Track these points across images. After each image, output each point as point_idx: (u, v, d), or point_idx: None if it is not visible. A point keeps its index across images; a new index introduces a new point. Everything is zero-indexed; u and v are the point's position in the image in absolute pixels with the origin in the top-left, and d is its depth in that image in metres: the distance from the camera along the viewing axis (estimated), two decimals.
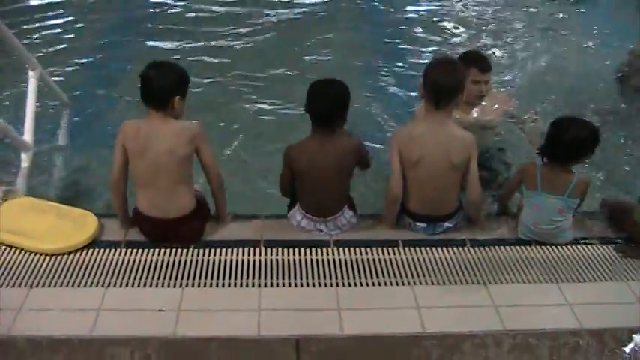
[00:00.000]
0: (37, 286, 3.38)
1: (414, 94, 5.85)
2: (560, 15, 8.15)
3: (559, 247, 3.78)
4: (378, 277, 3.50)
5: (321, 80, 3.66)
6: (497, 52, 7.06)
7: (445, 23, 7.91)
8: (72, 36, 7.30)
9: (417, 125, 3.77)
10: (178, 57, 6.44)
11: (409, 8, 8.25)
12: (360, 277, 3.49)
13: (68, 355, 2.96)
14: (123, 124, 3.63)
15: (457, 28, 7.73)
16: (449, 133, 3.68)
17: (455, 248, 3.74)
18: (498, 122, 4.57)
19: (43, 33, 7.29)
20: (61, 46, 7.02)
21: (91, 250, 3.64)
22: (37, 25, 7.45)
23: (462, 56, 4.21)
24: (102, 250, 3.65)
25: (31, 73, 4.69)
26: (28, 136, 4.50)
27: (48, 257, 3.57)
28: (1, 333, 3.07)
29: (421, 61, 6.64)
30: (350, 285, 3.44)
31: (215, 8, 8.04)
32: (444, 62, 3.78)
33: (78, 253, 3.62)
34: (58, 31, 7.41)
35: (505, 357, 3.01)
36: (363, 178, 4.36)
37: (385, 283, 3.46)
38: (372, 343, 3.08)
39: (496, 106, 4.49)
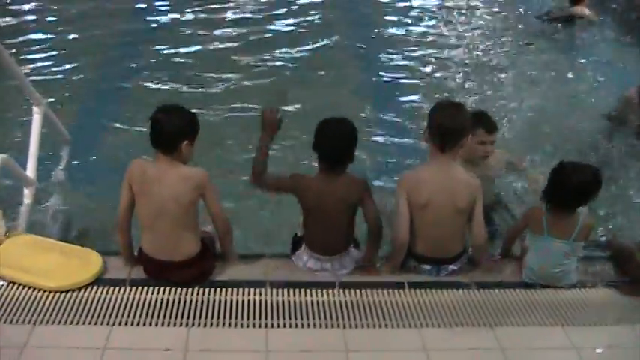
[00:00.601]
0: (40, 323, 3.34)
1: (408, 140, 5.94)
2: (551, 57, 8.23)
3: (564, 290, 3.79)
4: (384, 319, 3.49)
5: (331, 119, 3.68)
6: (488, 99, 7.08)
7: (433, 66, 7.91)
8: (70, 67, 7.34)
9: (424, 169, 3.80)
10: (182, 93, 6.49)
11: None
12: (366, 319, 3.48)
13: None
14: (131, 163, 3.64)
15: (448, 72, 7.75)
16: (455, 176, 3.71)
17: (460, 290, 3.75)
18: (497, 175, 4.62)
19: (39, 65, 7.32)
20: (58, 77, 7.07)
21: (95, 288, 3.62)
22: (32, 56, 7.49)
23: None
24: (106, 288, 3.62)
25: (35, 109, 4.69)
26: (30, 171, 4.49)
27: (52, 294, 3.54)
28: None
29: (407, 105, 6.78)
30: (357, 327, 3.43)
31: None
32: (448, 106, 3.82)
33: (82, 291, 3.58)
34: (54, 63, 7.45)
35: None
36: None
37: (392, 326, 3.45)
38: None
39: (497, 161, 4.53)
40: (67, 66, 7.34)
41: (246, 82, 7.11)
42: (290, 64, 7.65)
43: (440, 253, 3.83)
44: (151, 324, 3.39)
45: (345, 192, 3.65)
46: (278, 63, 7.68)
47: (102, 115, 6.27)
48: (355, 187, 3.68)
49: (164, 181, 3.51)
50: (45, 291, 3.55)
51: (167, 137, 3.50)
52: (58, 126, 5.12)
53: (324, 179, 3.67)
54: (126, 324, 3.37)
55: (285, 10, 9.13)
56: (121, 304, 3.51)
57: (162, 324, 3.39)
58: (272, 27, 8.68)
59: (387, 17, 9.17)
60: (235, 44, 8.14)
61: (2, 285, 3.59)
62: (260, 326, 3.40)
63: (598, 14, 8.94)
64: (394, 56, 8.00)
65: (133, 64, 7.42)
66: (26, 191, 4.42)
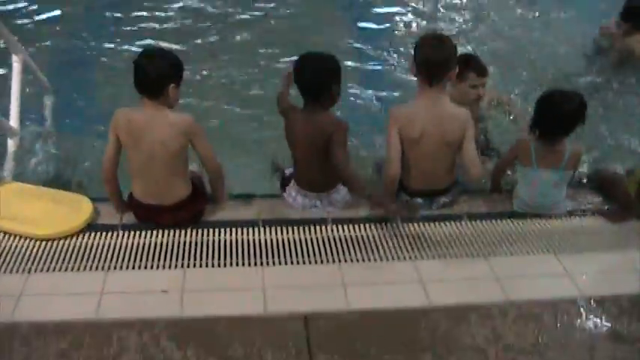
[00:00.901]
0: (35, 272, 3.32)
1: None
2: None
3: (554, 219, 3.83)
4: (379, 252, 3.52)
5: (310, 53, 3.65)
6: (470, 33, 7.02)
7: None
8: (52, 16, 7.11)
9: (415, 103, 3.77)
10: (169, 40, 6.33)
11: None
12: (361, 254, 3.50)
13: (74, 340, 2.90)
14: (115, 113, 3.57)
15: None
16: (444, 109, 3.69)
17: (453, 223, 3.78)
18: (488, 115, 4.62)
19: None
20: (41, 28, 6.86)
21: (87, 235, 3.59)
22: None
23: (459, 60, 4.19)
24: (98, 234, 3.60)
25: (14, 57, 4.59)
26: (14, 121, 4.41)
27: (44, 243, 3.51)
28: (3, 320, 3.02)
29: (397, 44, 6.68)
30: (352, 261, 3.45)
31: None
32: (433, 38, 3.76)
33: (74, 238, 3.56)
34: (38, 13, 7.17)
35: (511, 327, 3.05)
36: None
37: (387, 259, 3.48)
38: (380, 318, 3.09)
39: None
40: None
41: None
42: None
43: (432, 186, 3.85)
44: (146, 267, 3.38)
45: (318, 130, 3.59)
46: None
47: (82, 61, 6.12)
48: (329, 127, 3.59)
49: (151, 127, 3.45)
50: (36, 239, 3.52)
51: (152, 81, 3.42)
52: (38, 75, 5.01)
53: (304, 113, 3.66)
54: (121, 268, 3.36)
55: None
56: (114, 249, 3.49)
57: (158, 267, 3.38)
58: None
59: None
60: None
61: None
62: (256, 264, 3.41)
63: None
64: None
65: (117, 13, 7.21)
66: (10, 141, 4.35)
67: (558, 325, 3.08)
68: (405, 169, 3.78)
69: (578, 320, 3.11)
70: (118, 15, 7.12)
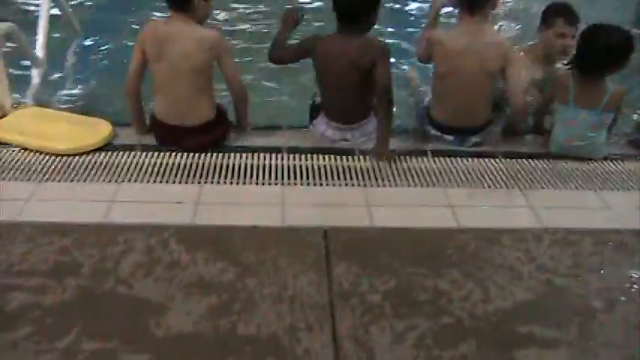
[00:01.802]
0: (46, 181, 3.19)
1: None
2: None
3: (593, 162, 3.59)
4: (408, 180, 3.32)
5: None
6: None
7: None
8: None
9: (452, 30, 3.60)
10: None
11: None
12: (389, 181, 3.31)
13: (78, 239, 2.75)
14: (145, 25, 3.48)
15: None
16: (483, 38, 3.50)
17: (486, 160, 3.56)
18: None
19: None
20: None
21: (104, 153, 3.46)
22: None
23: (546, 7, 3.93)
24: (115, 153, 3.46)
25: None
26: (40, 52, 4.32)
27: (59, 157, 3.38)
28: (7, 219, 2.88)
29: None
30: (379, 186, 3.26)
31: None
32: None
33: (90, 155, 3.43)
34: None
35: (546, 251, 2.82)
36: None
37: (416, 185, 3.28)
38: (405, 235, 2.88)
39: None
40: None
41: None
42: None
43: (464, 122, 3.63)
44: (161, 182, 3.24)
45: (360, 53, 3.40)
46: None
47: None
48: (371, 48, 3.42)
49: (177, 39, 3.33)
50: (52, 154, 3.40)
51: None
52: (69, 16, 4.94)
53: (340, 39, 3.47)
54: (135, 181, 3.23)
55: None
56: (130, 166, 3.36)
57: (174, 182, 3.24)
58: None
59: None
60: None
61: (8, 150, 3.44)
62: (277, 184, 3.24)
63: None
64: None
65: None
66: (34, 71, 4.26)
67: (596, 252, 2.84)
68: (436, 100, 3.60)
69: (617, 250, 2.87)
70: None
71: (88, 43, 5.24)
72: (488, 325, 2.38)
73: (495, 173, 3.43)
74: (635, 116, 4.22)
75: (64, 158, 3.38)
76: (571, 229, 2.96)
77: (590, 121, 3.53)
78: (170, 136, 3.51)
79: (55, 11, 4.88)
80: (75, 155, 3.40)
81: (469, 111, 3.61)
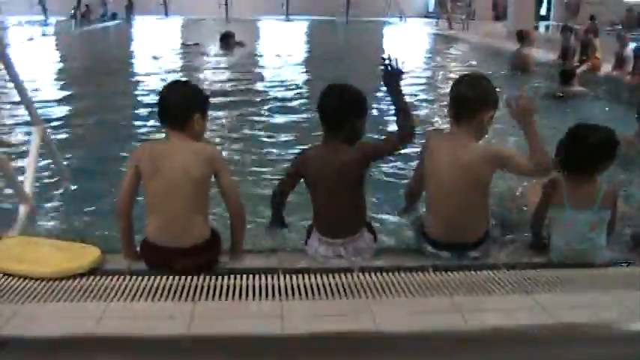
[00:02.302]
0: (29, 303, 3.01)
1: None
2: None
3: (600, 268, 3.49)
4: (412, 294, 3.17)
5: (336, 83, 3.53)
6: None
7: None
8: None
9: (443, 136, 3.68)
10: None
11: None
12: (393, 295, 3.16)
13: None
14: (138, 146, 3.49)
15: None
16: (467, 149, 3.44)
17: (489, 270, 3.43)
18: None
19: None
20: None
21: (91, 277, 3.29)
22: None
23: None
24: (104, 277, 3.30)
25: (33, 128, 4.55)
26: (28, 189, 4.26)
27: (44, 282, 3.20)
28: None
29: None
30: (382, 297, 3.13)
31: None
32: (470, 75, 3.68)
33: (77, 279, 3.26)
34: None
35: None
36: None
37: (421, 295, 3.15)
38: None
39: None
40: None
41: None
42: None
43: (458, 237, 3.54)
44: (153, 300, 3.07)
45: (344, 159, 3.40)
46: None
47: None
48: (354, 154, 3.42)
49: (175, 155, 3.32)
50: (36, 279, 3.22)
51: (175, 109, 3.37)
52: (58, 163, 4.96)
53: (325, 147, 3.49)
54: (125, 301, 3.06)
55: None
56: (119, 289, 3.18)
57: (166, 300, 3.07)
58: None
59: None
60: None
61: None
62: (274, 299, 3.10)
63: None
64: None
65: None
66: (22, 208, 4.17)
67: None
68: (429, 213, 3.57)
69: None
70: None
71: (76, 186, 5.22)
72: None
73: (500, 282, 3.29)
74: None
75: (49, 283, 3.20)
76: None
77: (588, 220, 3.49)
78: (162, 259, 3.37)
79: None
80: (60, 279, 3.23)
81: (462, 224, 3.52)
